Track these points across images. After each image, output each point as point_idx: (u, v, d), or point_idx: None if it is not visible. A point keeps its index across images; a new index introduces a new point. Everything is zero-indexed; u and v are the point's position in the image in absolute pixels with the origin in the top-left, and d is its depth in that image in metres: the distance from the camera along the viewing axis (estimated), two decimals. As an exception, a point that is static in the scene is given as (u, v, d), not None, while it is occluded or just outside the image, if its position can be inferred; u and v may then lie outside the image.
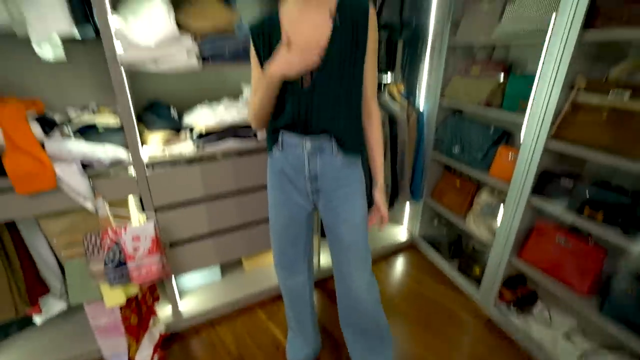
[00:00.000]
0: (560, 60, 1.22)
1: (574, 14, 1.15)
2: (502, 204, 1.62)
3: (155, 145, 1.37)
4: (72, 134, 1.25)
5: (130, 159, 1.27)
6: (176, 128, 1.46)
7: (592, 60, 1.26)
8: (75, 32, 1.08)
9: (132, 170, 1.31)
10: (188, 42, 1.21)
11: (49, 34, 1.04)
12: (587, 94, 1.21)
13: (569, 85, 1.25)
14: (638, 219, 1.11)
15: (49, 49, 1.16)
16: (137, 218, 1.41)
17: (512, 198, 1.49)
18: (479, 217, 1.75)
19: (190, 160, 1.45)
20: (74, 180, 1.17)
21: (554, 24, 1.22)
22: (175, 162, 1.43)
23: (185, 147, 1.41)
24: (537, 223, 1.50)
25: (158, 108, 1.49)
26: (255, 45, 0.97)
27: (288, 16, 0.93)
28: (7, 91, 1.34)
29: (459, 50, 1.82)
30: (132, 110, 1.23)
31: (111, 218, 1.30)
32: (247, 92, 1.61)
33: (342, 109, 0.95)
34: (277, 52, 0.87)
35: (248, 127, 1.49)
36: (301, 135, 0.97)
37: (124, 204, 1.37)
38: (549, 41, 1.25)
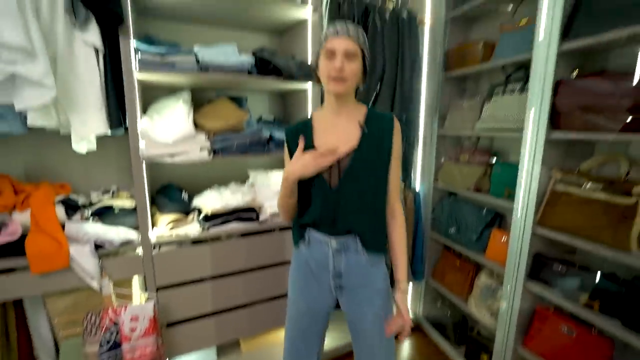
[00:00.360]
0: (535, 154, 1.34)
1: (539, 117, 1.31)
2: (500, 287, 1.60)
3: (164, 226, 1.47)
4: (90, 216, 1.38)
5: (140, 239, 1.36)
6: (185, 210, 1.58)
7: (565, 154, 1.38)
8: (108, 132, 1.27)
9: (139, 250, 1.39)
10: (202, 139, 1.40)
11: (88, 135, 1.24)
12: (563, 184, 1.31)
13: (547, 176, 1.36)
14: (635, 310, 1.10)
15: (84, 145, 1.35)
16: (139, 297, 1.44)
17: (508, 282, 1.49)
18: (479, 300, 1.72)
19: (195, 241, 1.54)
20: (85, 261, 1.25)
21: (524, 124, 1.38)
22: (181, 243, 1.52)
23: (192, 228, 1.51)
24: (538, 308, 1.47)
25: (170, 191, 1.64)
26: (288, 147, 1.07)
27: (321, 123, 1.04)
28: (42, 176, 1.51)
29: (448, 139, 2.00)
30: (147, 196, 1.37)
31: (113, 297, 1.34)
32: (252, 177, 1.77)
33: (367, 210, 1.00)
34: (295, 155, 0.97)
35: (251, 210, 1.60)
36: (327, 234, 1.02)
37: (128, 282, 1.42)
38: (523, 138, 1.39)
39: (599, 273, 1.25)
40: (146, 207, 1.36)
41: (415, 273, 2.10)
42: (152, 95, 1.63)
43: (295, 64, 1.53)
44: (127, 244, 1.35)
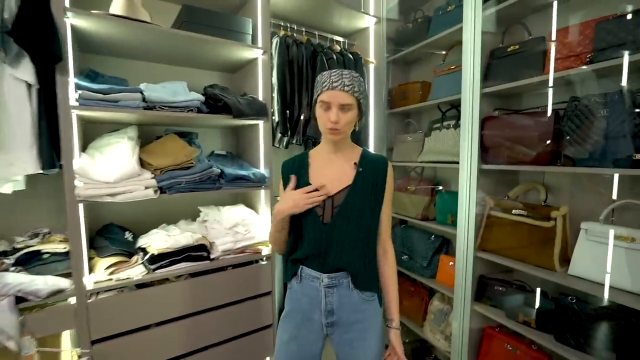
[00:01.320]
0: (471, 183, 1.47)
1: (471, 150, 1.45)
2: (452, 310, 1.67)
3: (102, 271, 1.36)
4: (12, 264, 1.23)
5: (72, 288, 1.24)
6: (129, 252, 1.48)
7: (496, 182, 1.53)
8: (39, 172, 1.18)
9: (72, 300, 1.26)
10: (147, 178, 1.35)
11: (14, 177, 1.14)
12: (496, 211, 1.44)
13: (483, 204, 1.48)
14: (565, 325, 1.20)
15: (9, 186, 1.23)
16: (70, 354, 1.28)
17: (458, 304, 1.56)
18: (433, 325, 1.77)
19: (140, 285, 1.43)
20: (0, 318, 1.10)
21: (460, 157, 1.52)
22: (123, 288, 1.40)
23: (135, 271, 1.40)
24: (486, 328, 1.54)
25: (112, 232, 1.53)
26: (283, 181, 1.10)
27: (317, 160, 1.08)
28: (-45, 222, 1.34)
29: (397, 169, 2.12)
30: (84, 238, 1.27)
31: (36, 358, 1.18)
32: (203, 214, 1.72)
33: (359, 247, 1.01)
34: (286, 192, 1.00)
35: (202, 248, 1.54)
36: (318, 271, 1.02)
37: (57, 339, 1.27)
38: (460, 169, 1.52)
39: (538, 291, 1.36)
40: (81, 251, 1.25)
41: (373, 302, 2.11)
42: (95, 131, 1.56)
43: (245, 102, 1.56)
44: (57, 293, 1.22)
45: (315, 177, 1.05)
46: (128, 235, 1.56)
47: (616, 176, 1.17)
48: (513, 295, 1.37)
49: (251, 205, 1.85)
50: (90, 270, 1.39)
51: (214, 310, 1.57)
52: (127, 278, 1.37)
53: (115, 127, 1.59)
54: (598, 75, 1.13)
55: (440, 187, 1.86)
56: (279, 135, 1.77)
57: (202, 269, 1.53)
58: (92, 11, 1.22)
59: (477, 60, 1.41)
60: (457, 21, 1.57)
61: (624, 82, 1.06)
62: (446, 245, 1.83)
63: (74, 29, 1.28)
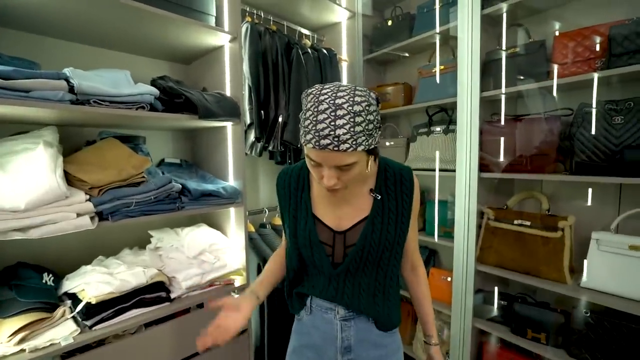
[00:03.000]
0: (470, 193, 1.38)
1: (470, 158, 1.36)
2: (446, 327, 1.57)
3: (6, 339, 0.93)
4: None
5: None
6: (50, 303, 1.05)
7: (491, 192, 1.46)
8: None
9: (-45, 395, 0.82)
10: (79, 200, 0.96)
11: None
12: (496, 221, 1.36)
13: (481, 214, 1.40)
14: (579, 340, 1.15)
15: None
16: None
17: (456, 322, 1.46)
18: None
19: (70, 352, 1.02)
20: None
21: (457, 165, 1.42)
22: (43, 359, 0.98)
23: (62, 331, 1.00)
24: (486, 345, 1.47)
25: (22, 276, 1.08)
26: (279, 197, 0.88)
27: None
28: None
29: (374, 177, 1.98)
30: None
31: None
32: (156, 239, 1.34)
33: (379, 290, 0.82)
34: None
35: (159, 286, 1.18)
36: (332, 302, 0.83)
37: None
38: (457, 178, 1.42)
39: (543, 307, 1.31)
40: (-29, 319, 0.82)
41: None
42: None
43: (213, 100, 1.25)
44: None
45: (320, 206, 0.81)
46: (47, 279, 1.12)
47: (614, 184, 1.17)
48: (519, 310, 1.31)
49: (216, 225, 1.52)
50: (-13, 339, 0.95)
51: (177, 364, 1.22)
52: (50, 344, 0.96)
53: (22, 127, 1.14)
54: (607, 82, 1.11)
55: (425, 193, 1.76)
56: (251, 140, 1.48)
57: (161, 314, 1.17)
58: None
59: (475, 62, 1.33)
60: (443, 21, 1.48)
61: None
62: (433, 258, 1.74)
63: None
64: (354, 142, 0.62)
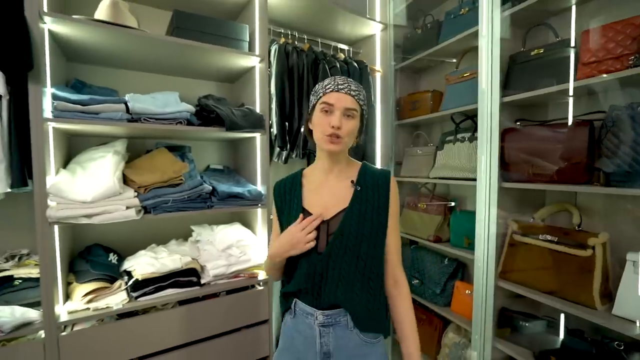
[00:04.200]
0: (489, 202, 1.31)
1: (490, 165, 1.29)
2: (469, 344, 1.48)
3: (79, 299, 1.23)
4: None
5: (42, 319, 1.11)
6: (112, 276, 1.35)
7: (519, 201, 1.36)
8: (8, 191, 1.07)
9: (42, 334, 1.13)
10: (129, 197, 1.23)
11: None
12: (521, 235, 1.26)
13: (504, 226, 1.31)
14: (607, 375, 1.01)
15: (-21, 205, 1.13)
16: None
17: (476, 340, 1.37)
18: (450, 361, 1.57)
19: (122, 314, 1.29)
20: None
21: (477, 173, 1.36)
22: (103, 318, 1.26)
23: (116, 299, 1.27)
24: (511, 370, 1.35)
25: (95, 254, 1.41)
26: (275, 204, 0.99)
27: (311, 181, 0.96)
28: None
29: (406, 185, 1.96)
30: (58, 262, 1.15)
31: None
32: (196, 234, 1.59)
33: (358, 280, 0.87)
34: (284, 231, 0.90)
35: (192, 272, 1.40)
36: (312, 306, 0.88)
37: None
38: (477, 187, 1.36)
39: (567, 332, 1.17)
40: (52, 278, 1.13)
41: (381, 330, 1.93)
42: (83, 145, 1.45)
43: (240, 114, 1.44)
44: (24, 327, 1.09)
45: (309, 200, 0.92)
46: (112, 258, 1.43)
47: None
48: (543, 334, 1.19)
49: (248, 224, 1.71)
50: (68, 297, 1.27)
51: (205, 341, 1.42)
52: (107, 307, 1.24)
53: (104, 140, 1.49)
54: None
55: (453, 204, 1.69)
56: (277, 149, 1.64)
57: (192, 295, 1.39)
58: (73, 16, 1.13)
59: (495, 66, 1.27)
60: (470, 25, 1.43)
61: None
62: (462, 271, 1.65)
63: (54, 36, 1.19)
64: (360, 95, 0.87)
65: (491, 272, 1.30)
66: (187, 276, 1.39)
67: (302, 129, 1.63)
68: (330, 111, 0.85)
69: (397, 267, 0.93)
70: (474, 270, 1.37)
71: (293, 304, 0.92)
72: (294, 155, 1.65)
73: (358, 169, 0.94)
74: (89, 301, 1.24)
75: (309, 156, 1.69)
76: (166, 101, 1.40)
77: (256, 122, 1.47)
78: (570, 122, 1.14)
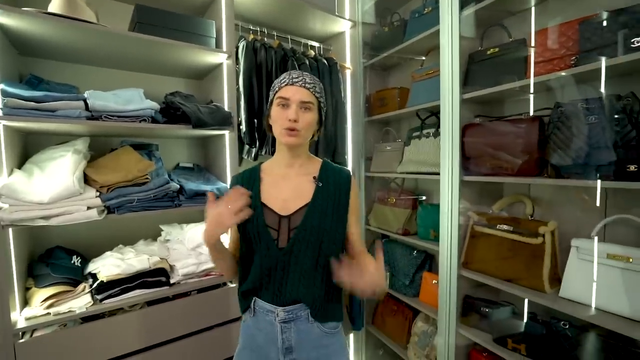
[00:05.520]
0: (452, 196, 1.36)
1: (452, 159, 1.35)
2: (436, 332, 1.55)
3: (39, 304, 1.18)
4: None
5: (-1, 328, 1.06)
6: (75, 279, 1.31)
7: (479, 195, 1.42)
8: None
9: (-1, 342, 1.08)
10: (90, 196, 1.19)
11: None
12: (480, 226, 1.33)
13: (466, 218, 1.38)
14: (558, 353, 1.08)
15: None
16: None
17: (442, 327, 1.44)
18: (417, 348, 1.64)
19: (87, 318, 1.26)
20: None
21: (440, 170, 1.41)
22: (66, 323, 1.22)
23: (79, 302, 1.24)
24: (473, 353, 1.42)
25: (56, 257, 1.36)
26: None
27: (270, 175, 0.95)
28: None
29: (376, 180, 2.01)
30: (14, 268, 1.11)
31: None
32: (165, 233, 1.56)
33: (319, 275, 0.88)
34: (209, 212, 0.83)
35: (160, 272, 1.38)
36: (272, 304, 0.89)
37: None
38: (441, 180, 1.41)
39: (525, 315, 1.25)
40: (8, 283, 1.08)
41: (354, 321, 1.97)
42: (41, 144, 1.39)
43: (207, 111, 1.43)
44: (-22, 336, 1.05)
45: (268, 194, 0.92)
46: (75, 260, 1.38)
47: (600, 188, 1.08)
48: (500, 319, 1.26)
49: (219, 222, 1.70)
50: (26, 303, 1.22)
51: (176, 341, 1.41)
52: (69, 311, 1.20)
53: (65, 138, 1.43)
54: (582, 79, 1.04)
55: (424, 197, 1.75)
56: (246, 146, 1.63)
57: (161, 295, 1.37)
58: (23, 8, 1.07)
59: (455, 64, 1.32)
60: (434, 24, 1.48)
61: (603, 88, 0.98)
62: (429, 262, 1.71)
63: (3, 28, 1.13)
64: (315, 87, 0.88)
65: (454, 262, 1.36)
66: (156, 276, 1.37)
67: (271, 126, 1.63)
68: (286, 105, 0.86)
69: (364, 254, 0.94)
70: (439, 261, 1.43)
71: (252, 302, 0.92)
72: (263, 152, 1.65)
73: (319, 165, 0.96)
74: (50, 306, 1.19)
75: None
76: (129, 98, 1.36)
77: (224, 120, 1.46)
78: (523, 117, 1.21)
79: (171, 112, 1.42)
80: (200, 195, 1.44)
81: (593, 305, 1.00)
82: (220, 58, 1.54)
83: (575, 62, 1.02)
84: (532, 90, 1.17)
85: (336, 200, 0.90)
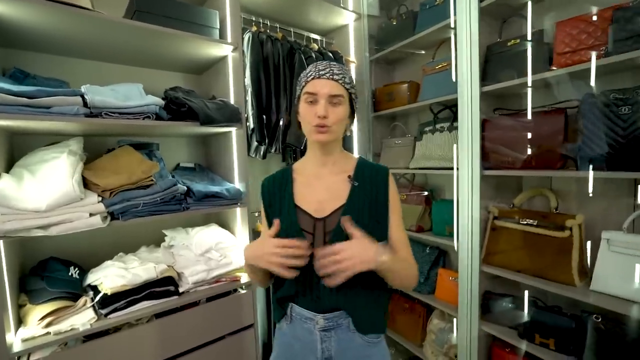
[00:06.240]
0: (472, 191, 1.33)
1: (472, 155, 1.32)
2: (455, 329, 1.53)
3: (37, 323, 1.07)
4: None
5: (-7, 352, 0.95)
6: (75, 293, 1.19)
7: (497, 189, 1.40)
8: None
9: (-8, 368, 0.96)
10: (92, 201, 1.08)
11: None
12: (501, 220, 1.31)
13: (486, 213, 1.35)
14: (590, 347, 1.07)
15: None
16: None
17: (463, 324, 1.41)
18: (435, 346, 1.61)
19: (89, 336, 1.15)
20: None
21: (458, 166, 1.38)
22: (67, 342, 1.11)
23: (81, 318, 1.12)
24: (495, 349, 1.40)
25: (52, 269, 1.23)
26: (263, 202, 0.92)
27: (303, 175, 0.89)
28: None
29: (384, 176, 1.97)
30: (6, 284, 0.99)
31: None
32: (169, 238, 1.45)
33: (361, 282, 0.79)
34: (261, 238, 0.81)
35: (168, 281, 1.28)
36: (312, 310, 0.83)
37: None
38: (460, 176, 1.38)
39: (551, 310, 1.23)
40: (1, 302, 0.96)
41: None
42: (29, 145, 1.26)
43: (214, 107, 1.33)
44: (-30, 363, 0.93)
45: (302, 196, 0.86)
46: (73, 272, 1.26)
47: (630, 179, 1.07)
48: (525, 313, 1.24)
49: (226, 224, 1.61)
50: (21, 322, 1.10)
51: (187, 354, 1.32)
52: (71, 329, 1.09)
53: (55, 139, 1.30)
54: (613, 70, 1.03)
55: (426, 193, 1.72)
56: (255, 143, 1.55)
57: (170, 306, 1.27)
58: (11, -8, 0.95)
59: (474, 56, 1.29)
60: (446, 16, 1.44)
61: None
62: (443, 258, 1.69)
63: (-13, 16, 1.00)
64: (344, 77, 0.81)
65: (476, 258, 1.34)
66: (164, 286, 1.27)
67: (280, 122, 1.55)
68: (314, 100, 0.80)
69: (411, 260, 0.87)
70: (459, 257, 1.41)
71: (289, 309, 0.87)
72: (272, 150, 1.57)
73: (354, 162, 0.89)
74: (49, 324, 1.08)
75: (284, 150, 1.62)
76: (128, 94, 1.25)
77: (232, 116, 1.37)
78: (547, 109, 1.19)
79: (174, 108, 1.32)
80: (210, 197, 1.35)
81: (627, 298, 0.99)
82: (224, 50, 1.45)
83: (605, 52, 1.00)
84: (553, 82, 1.15)
85: (373, 199, 0.84)
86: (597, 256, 1.08)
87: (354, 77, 1.97)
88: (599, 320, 1.05)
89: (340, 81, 0.80)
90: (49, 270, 1.23)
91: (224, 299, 1.42)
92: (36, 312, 1.09)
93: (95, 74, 1.44)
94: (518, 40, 1.24)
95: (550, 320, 1.18)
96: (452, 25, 1.36)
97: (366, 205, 0.83)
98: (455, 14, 1.37)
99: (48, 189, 1.02)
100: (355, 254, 0.71)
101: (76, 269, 1.29)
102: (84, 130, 1.28)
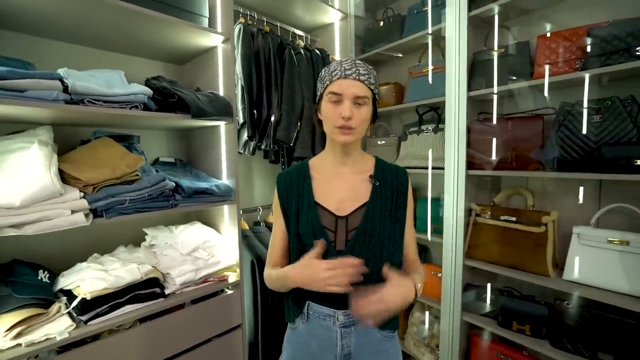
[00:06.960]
0: (458, 190, 1.41)
1: (458, 156, 1.40)
2: (436, 322, 1.61)
3: (3, 335, 0.95)
4: None
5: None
6: (46, 299, 1.07)
7: (478, 188, 1.50)
8: None
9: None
10: (74, 197, 0.98)
11: None
12: (483, 217, 1.40)
13: (469, 210, 1.44)
14: (561, 330, 1.19)
15: None
16: None
17: (446, 316, 1.50)
18: (417, 338, 1.69)
19: (65, 346, 1.04)
20: None
21: (445, 163, 1.45)
22: (37, 354, 0.99)
23: (57, 326, 1.02)
24: (474, 337, 1.50)
25: (18, 273, 1.10)
26: (280, 199, 0.90)
27: (321, 172, 0.88)
28: None
29: (366, 175, 2.01)
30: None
31: None
32: (150, 237, 1.36)
33: (380, 278, 0.80)
34: (308, 262, 0.77)
35: (153, 282, 1.20)
36: (332, 307, 0.83)
37: None
38: (446, 176, 1.45)
39: (526, 299, 1.35)
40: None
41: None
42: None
43: (206, 99, 1.27)
44: None
45: (321, 194, 0.86)
46: (42, 276, 1.14)
47: (596, 180, 1.21)
48: (505, 303, 1.34)
49: (210, 222, 1.54)
50: (-18, 334, 0.96)
51: (174, 359, 1.25)
52: (46, 339, 0.98)
53: (17, 127, 1.16)
54: (589, 81, 1.14)
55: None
56: (244, 139, 1.50)
57: (156, 309, 1.19)
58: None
59: (462, 62, 1.36)
60: (433, 21, 1.51)
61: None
62: (424, 254, 1.77)
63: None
64: (370, 78, 0.80)
65: (459, 253, 1.42)
66: (149, 288, 1.19)
67: (271, 118, 1.52)
68: (339, 101, 0.79)
69: (417, 262, 0.93)
70: (443, 252, 1.48)
71: (306, 307, 0.86)
72: (262, 146, 1.53)
73: (372, 163, 0.91)
74: (18, 334, 0.96)
75: (280, 147, 1.59)
76: (109, 80, 1.15)
77: (223, 109, 1.32)
78: (528, 115, 1.30)
79: (159, 99, 1.24)
80: (200, 194, 1.28)
81: (595, 285, 1.12)
82: (214, 41, 1.38)
83: (581, 66, 1.11)
84: (539, 90, 1.26)
85: (394, 200, 0.86)
86: (569, 249, 1.20)
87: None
88: (569, 306, 1.17)
89: (366, 82, 0.79)
90: (15, 274, 1.09)
91: (212, 300, 1.36)
92: (3, 322, 0.96)
93: (63, 56, 1.30)
94: (502, 50, 1.34)
95: (526, 308, 1.29)
96: (444, 33, 1.42)
97: (387, 204, 0.85)
98: (444, 21, 1.43)
99: (21, 182, 0.91)
100: (398, 297, 0.73)
101: (45, 272, 1.16)
102: (54, 118, 1.15)
